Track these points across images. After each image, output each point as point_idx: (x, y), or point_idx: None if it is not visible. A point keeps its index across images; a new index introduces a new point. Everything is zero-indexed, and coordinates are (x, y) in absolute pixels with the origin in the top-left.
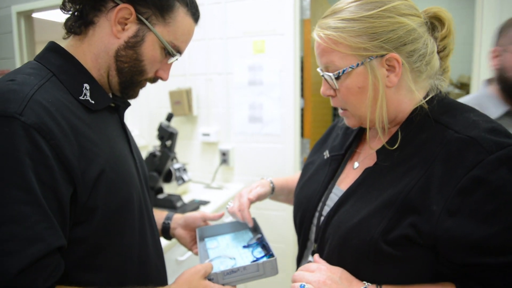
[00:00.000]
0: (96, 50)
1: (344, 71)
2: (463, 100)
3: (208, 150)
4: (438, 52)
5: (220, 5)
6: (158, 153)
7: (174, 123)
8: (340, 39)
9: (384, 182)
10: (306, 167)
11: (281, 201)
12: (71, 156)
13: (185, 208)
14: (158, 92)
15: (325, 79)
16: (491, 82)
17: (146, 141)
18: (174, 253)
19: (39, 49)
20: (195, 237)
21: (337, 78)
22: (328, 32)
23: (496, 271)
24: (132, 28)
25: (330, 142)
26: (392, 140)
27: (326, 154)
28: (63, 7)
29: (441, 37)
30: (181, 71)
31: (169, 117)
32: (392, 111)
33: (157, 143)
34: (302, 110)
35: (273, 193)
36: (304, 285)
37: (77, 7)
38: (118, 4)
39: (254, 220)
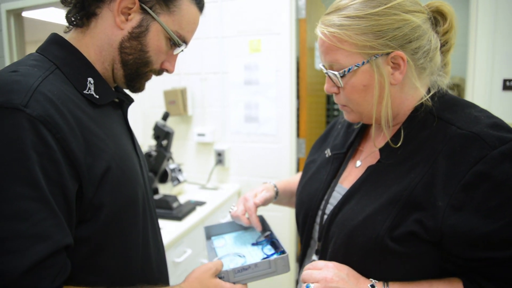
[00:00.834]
0: (100, 42)
1: (349, 69)
2: None
3: (203, 150)
4: (440, 47)
5: (216, 4)
6: (153, 153)
7: (169, 123)
8: (345, 37)
9: (388, 180)
10: (307, 166)
11: (283, 205)
12: (77, 150)
13: (181, 209)
14: (153, 91)
15: (329, 76)
16: None
17: (140, 141)
18: (171, 255)
19: (29, 48)
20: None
21: (342, 76)
22: (332, 29)
23: (501, 265)
24: (135, 18)
25: (331, 140)
26: (394, 138)
27: (328, 152)
28: (64, 1)
29: (443, 31)
30: (176, 70)
31: (165, 116)
32: (394, 109)
33: (152, 142)
34: (298, 110)
35: (277, 197)
36: (309, 285)
37: None
38: None
39: (262, 217)
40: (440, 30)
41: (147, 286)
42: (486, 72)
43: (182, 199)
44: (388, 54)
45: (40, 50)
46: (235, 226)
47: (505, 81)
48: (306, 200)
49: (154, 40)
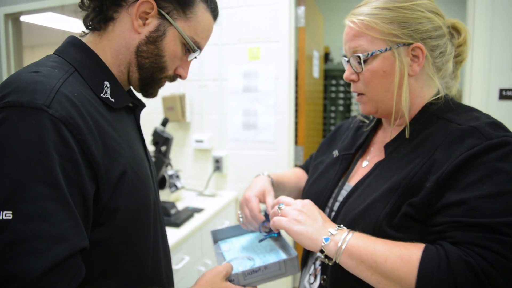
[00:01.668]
0: (117, 46)
1: (373, 53)
2: None
3: (201, 157)
4: (454, 58)
5: None
6: (152, 159)
7: (167, 129)
8: (373, 24)
9: (390, 171)
10: (316, 167)
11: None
12: (96, 153)
13: (179, 216)
14: None
15: (350, 64)
16: None
17: None
18: None
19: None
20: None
21: (365, 61)
22: (361, 17)
23: (464, 230)
24: (153, 23)
25: (339, 143)
26: (400, 135)
27: (336, 153)
28: (81, 5)
29: (458, 44)
30: None
31: (165, 122)
32: (410, 101)
33: (150, 148)
34: (296, 117)
35: (273, 186)
36: (282, 205)
37: (98, 3)
38: None
39: (266, 214)
40: (455, 43)
41: None
42: (483, 81)
43: (180, 206)
44: (409, 45)
45: (58, 52)
46: (241, 229)
47: (501, 90)
48: (313, 198)
49: (171, 45)
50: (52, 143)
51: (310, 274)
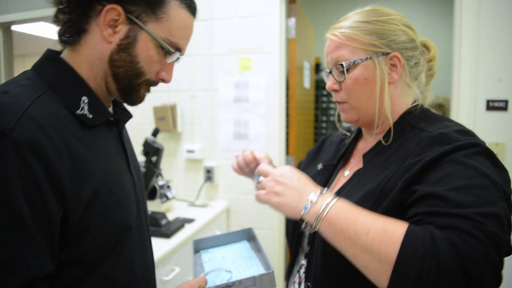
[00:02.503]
0: (91, 58)
1: (354, 61)
2: None
3: (192, 167)
4: (425, 72)
5: (207, 22)
6: (142, 169)
7: (158, 139)
8: (353, 35)
9: (367, 179)
10: None
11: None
12: (63, 175)
13: (169, 226)
14: (142, 107)
15: (332, 74)
16: None
17: None
18: (158, 273)
19: (17, 62)
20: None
21: (347, 70)
22: (342, 30)
23: (439, 217)
24: (123, 30)
25: (323, 156)
26: (378, 144)
27: (320, 166)
28: (56, 20)
29: (428, 59)
30: (166, 87)
31: (155, 132)
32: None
33: (141, 159)
34: (287, 127)
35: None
36: (259, 177)
37: (69, 16)
38: (105, 6)
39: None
40: (426, 58)
41: None
42: (470, 92)
43: (171, 216)
44: (387, 54)
45: (35, 67)
46: (225, 239)
47: (488, 101)
48: None
49: (144, 50)
50: (15, 168)
51: (294, 282)
